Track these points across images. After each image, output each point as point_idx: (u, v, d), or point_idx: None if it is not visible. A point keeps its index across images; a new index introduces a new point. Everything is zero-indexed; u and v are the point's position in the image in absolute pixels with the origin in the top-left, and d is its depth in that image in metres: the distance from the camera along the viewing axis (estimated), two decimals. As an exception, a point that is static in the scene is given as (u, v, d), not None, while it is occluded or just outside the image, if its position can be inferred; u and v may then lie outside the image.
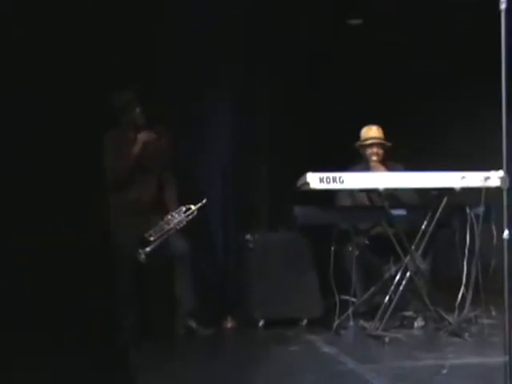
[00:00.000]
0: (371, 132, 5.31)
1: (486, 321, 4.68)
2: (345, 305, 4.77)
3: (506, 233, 3.10)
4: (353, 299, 4.82)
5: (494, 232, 4.16)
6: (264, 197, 5.98)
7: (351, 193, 4.99)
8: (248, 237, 5.19)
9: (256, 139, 5.98)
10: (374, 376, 3.62)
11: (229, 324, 5.09)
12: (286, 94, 6.13)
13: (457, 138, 6.30)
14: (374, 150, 5.25)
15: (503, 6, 3.02)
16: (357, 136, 5.38)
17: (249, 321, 5.06)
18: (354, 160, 5.36)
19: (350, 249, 4.91)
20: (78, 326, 4.52)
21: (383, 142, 5.27)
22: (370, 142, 5.27)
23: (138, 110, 4.81)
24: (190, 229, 4.84)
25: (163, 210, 4.84)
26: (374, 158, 5.25)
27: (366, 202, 4.91)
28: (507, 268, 3.10)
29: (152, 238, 4.67)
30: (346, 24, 6.40)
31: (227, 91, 5.73)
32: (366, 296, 4.83)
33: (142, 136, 4.76)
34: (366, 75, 6.38)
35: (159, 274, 4.98)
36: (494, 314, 4.70)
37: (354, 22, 6.42)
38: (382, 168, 5.21)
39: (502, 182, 3.24)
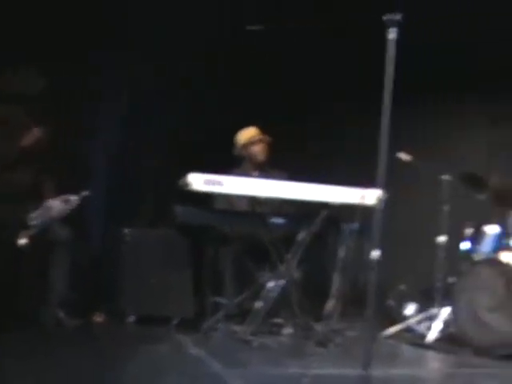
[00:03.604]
0: (253, 131, 5.43)
1: (350, 333, 4.84)
2: (218, 307, 4.80)
3: (375, 252, 3.21)
4: (225, 302, 4.86)
5: (366, 249, 4.30)
6: (148, 192, 5.93)
7: (228, 196, 5.01)
8: (126, 230, 5.12)
9: (144, 135, 5.92)
10: (237, 380, 3.66)
11: (98, 318, 5.01)
12: (177, 92, 6.10)
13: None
14: (261, 147, 5.35)
15: (391, 36, 3.15)
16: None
17: (119, 316, 5.00)
18: (235, 164, 5.42)
19: (227, 252, 4.94)
20: None
21: (267, 137, 5.40)
22: (257, 138, 5.37)
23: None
24: (69, 218, 4.75)
25: (42, 199, 4.75)
26: (261, 156, 5.35)
27: (243, 206, 4.97)
28: (374, 286, 3.22)
29: (33, 223, 4.59)
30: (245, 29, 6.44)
31: (117, 85, 5.63)
32: (237, 300, 4.87)
33: (37, 132, 4.71)
34: (260, 81, 6.45)
35: (36, 260, 4.86)
36: (359, 326, 4.85)
37: (255, 28, 6.46)
38: (270, 171, 5.32)
39: (377, 202, 3.35)
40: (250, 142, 5.41)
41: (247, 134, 5.44)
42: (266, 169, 5.40)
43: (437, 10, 5.65)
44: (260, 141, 5.42)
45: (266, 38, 6.36)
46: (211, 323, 4.73)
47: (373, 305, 3.50)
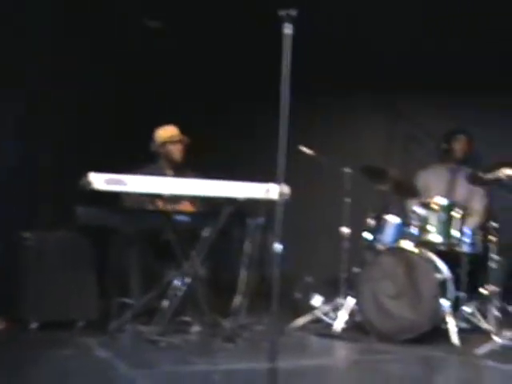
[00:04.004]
0: (174, 130, 5.38)
1: (259, 327, 4.87)
2: (125, 308, 4.74)
3: (277, 246, 3.25)
4: (132, 302, 4.80)
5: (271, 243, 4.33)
6: (47, 194, 5.77)
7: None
8: (26, 234, 4.98)
9: (42, 136, 5.76)
10: (145, 381, 3.63)
11: (0, 325, 4.84)
12: (79, 91, 5.99)
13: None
14: (179, 147, 5.33)
15: (287, 31, 3.19)
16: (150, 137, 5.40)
17: (22, 322, 4.85)
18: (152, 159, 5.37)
19: (132, 251, 4.88)
20: None
21: (186, 138, 5.38)
22: (177, 137, 5.33)
23: None
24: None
25: None
26: (178, 156, 5.33)
27: (149, 204, 4.92)
28: (278, 279, 3.25)
29: None
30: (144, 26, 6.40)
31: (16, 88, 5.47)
32: (143, 300, 4.82)
33: None
34: (162, 78, 6.43)
35: None
36: (266, 320, 4.89)
37: (153, 24, 6.42)
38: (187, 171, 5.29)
39: (279, 195, 3.38)
40: (170, 141, 5.35)
41: (168, 133, 5.37)
42: (182, 169, 5.35)
43: (336, 6, 5.78)
44: (179, 141, 5.37)
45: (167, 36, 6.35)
46: (118, 324, 4.66)
47: (277, 298, 3.51)
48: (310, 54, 5.85)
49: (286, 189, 4.38)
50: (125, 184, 4.39)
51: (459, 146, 5.87)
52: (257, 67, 6.25)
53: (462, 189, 5.71)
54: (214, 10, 5.95)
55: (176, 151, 5.35)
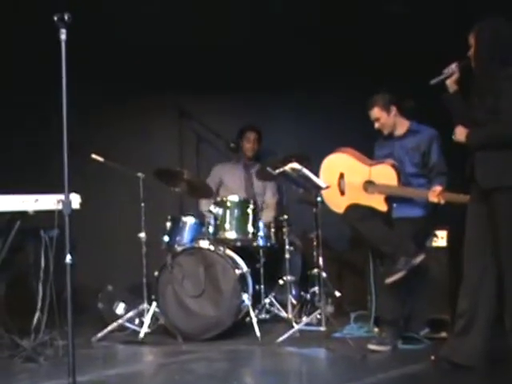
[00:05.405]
0: None
1: (61, 342, 4.72)
2: None
3: (68, 257, 3.18)
4: None
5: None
6: None
7: None
8: None
9: None
10: None
11: None
12: None
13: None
14: None
15: (63, 37, 3.12)
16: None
17: None
18: None
19: None
20: None
21: None
22: None
23: None
24: None
25: None
26: None
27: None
28: (70, 291, 3.19)
29: None
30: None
31: None
32: None
33: None
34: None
35: None
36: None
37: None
38: None
39: (63, 206, 3.31)
40: None
41: None
42: None
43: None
44: None
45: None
46: None
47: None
48: (90, 58, 5.77)
49: (76, 198, 4.31)
50: None
51: (248, 143, 6.10)
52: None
53: (256, 184, 5.95)
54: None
55: None
